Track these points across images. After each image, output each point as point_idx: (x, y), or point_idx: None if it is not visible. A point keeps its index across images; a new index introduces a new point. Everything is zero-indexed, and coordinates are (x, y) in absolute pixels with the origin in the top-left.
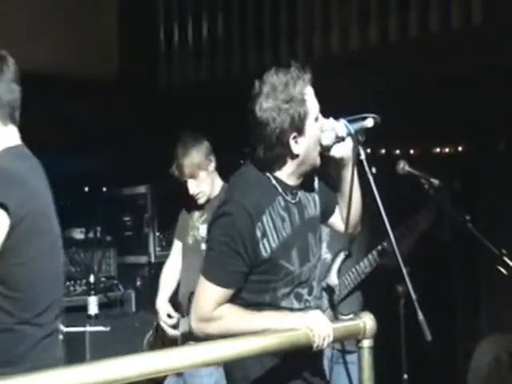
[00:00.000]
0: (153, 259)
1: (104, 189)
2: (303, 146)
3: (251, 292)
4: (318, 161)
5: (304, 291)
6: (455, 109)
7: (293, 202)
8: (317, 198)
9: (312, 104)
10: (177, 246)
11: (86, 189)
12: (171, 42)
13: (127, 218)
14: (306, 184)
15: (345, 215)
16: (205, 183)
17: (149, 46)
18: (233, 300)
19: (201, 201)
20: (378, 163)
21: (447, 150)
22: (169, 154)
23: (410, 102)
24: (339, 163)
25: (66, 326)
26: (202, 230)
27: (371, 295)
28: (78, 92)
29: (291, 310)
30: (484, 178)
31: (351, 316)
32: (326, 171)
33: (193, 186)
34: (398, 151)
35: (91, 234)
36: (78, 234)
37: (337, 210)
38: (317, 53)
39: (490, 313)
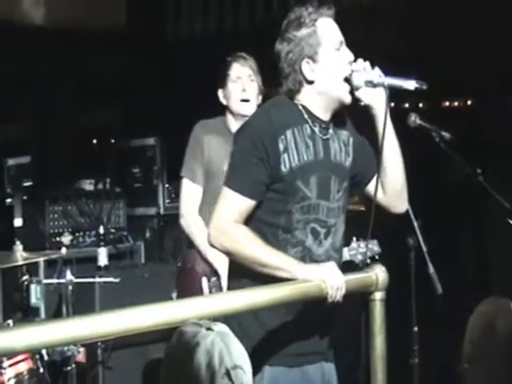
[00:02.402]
0: (162, 211)
1: (112, 141)
2: (319, 74)
3: (267, 212)
4: (345, 96)
5: (322, 230)
6: (465, 63)
7: (320, 135)
8: (351, 152)
9: (328, 34)
10: (199, 179)
11: (95, 141)
12: None
13: (136, 170)
14: (339, 129)
15: (385, 181)
16: (256, 98)
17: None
18: (249, 220)
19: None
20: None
21: (456, 103)
22: (177, 106)
23: (419, 55)
24: (370, 112)
25: (76, 277)
26: None
27: (382, 247)
28: (86, 44)
29: (303, 244)
30: (493, 133)
31: None
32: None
33: (255, 91)
34: (407, 104)
35: (100, 186)
36: (88, 186)
37: (374, 180)
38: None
39: (498, 266)
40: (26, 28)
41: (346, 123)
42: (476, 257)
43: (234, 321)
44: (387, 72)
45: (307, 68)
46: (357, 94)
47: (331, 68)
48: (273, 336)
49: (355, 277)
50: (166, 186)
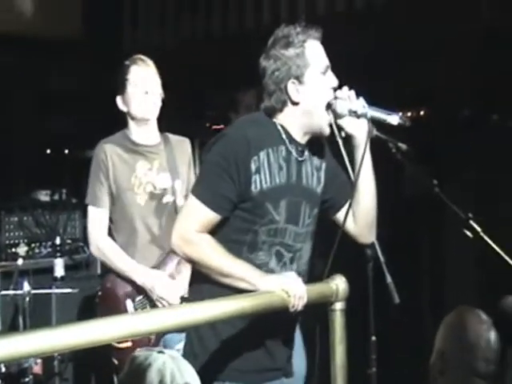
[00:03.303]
0: None
1: (66, 151)
2: (304, 95)
3: (233, 229)
4: (325, 126)
5: (287, 255)
6: (418, 74)
7: (296, 156)
8: (322, 178)
9: (316, 57)
10: (104, 203)
11: (48, 151)
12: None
13: None
14: (313, 154)
15: (357, 210)
16: (159, 100)
17: (113, 6)
18: (218, 235)
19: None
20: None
21: (409, 114)
22: None
23: (373, 65)
24: (351, 142)
25: (33, 288)
26: (161, 181)
27: (340, 258)
28: (41, 53)
29: (267, 266)
30: (446, 143)
31: None
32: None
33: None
34: None
35: (57, 197)
36: (44, 196)
37: (345, 208)
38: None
39: (455, 275)
40: None
41: (322, 147)
42: (432, 267)
43: (194, 334)
44: (371, 104)
45: (293, 88)
46: (339, 122)
47: (316, 91)
48: (231, 350)
49: (316, 287)
50: None
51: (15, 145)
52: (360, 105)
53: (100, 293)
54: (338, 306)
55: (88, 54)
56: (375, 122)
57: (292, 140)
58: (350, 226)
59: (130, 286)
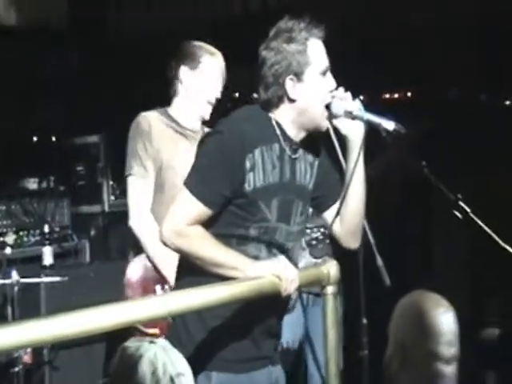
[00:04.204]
0: (106, 208)
1: (54, 139)
2: (301, 93)
3: (224, 223)
4: (322, 121)
5: (277, 252)
6: (406, 55)
7: (289, 154)
8: (315, 174)
9: (317, 56)
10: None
11: (35, 138)
12: None
13: (80, 168)
14: (307, 150)
15: (343, 213)
16: None
17: None
18: (209, 231)
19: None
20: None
21: (396, 95)
22: (120, 103)
23: (358, 47)
24: (346, 144)
25: (21, 277)
26: None
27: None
28: (25, 40)
29: (257, 258)
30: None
31: None
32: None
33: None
34: None
35: (44, 184)
36: (32, 184)
37: (334, 208)
38: None
39: (443, 256)
40: None
41: (316, 145)
42: (422, 249)
43: (180, 324)
44: (367, 107)
45: (291, 85)
46: (335, 122)
47: (314, 91)
48: (218, 339)
49: (307, 271)
50: (111, 183)
51: (1, 133)
52: (356, 106)
53: (129, 277)
54: (330, 289)
55: (73, 41)
56: (370, 126)
57: (286, 137)
58: (337, 229)
59: (157, 272)
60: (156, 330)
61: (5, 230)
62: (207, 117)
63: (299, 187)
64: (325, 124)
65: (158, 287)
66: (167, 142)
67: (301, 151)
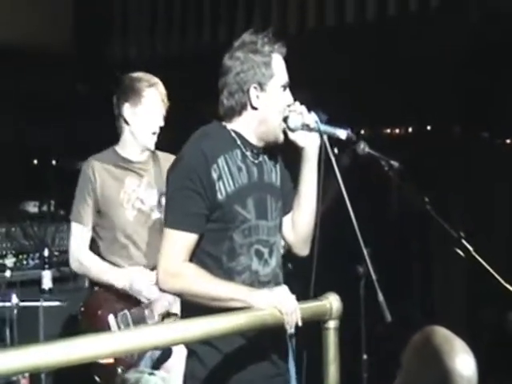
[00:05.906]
0: None
1: (53, 162)
2: (263, 103)
3: (209, 242)
4: (279, 133)
5: (265, 250)
6: (406, 91)
7: (252, 159)
8: (279, 174)
9: (280, 70)
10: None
11: (35, 161)
12: (126, 14)
13: None
14: (268, 155)
15: (295, 220)
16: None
17: (103, 17)
18: (195, 252)
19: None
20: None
21: (397, 131)
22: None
23: (359, 83)
24: (302, 155)
25: (21, 300)
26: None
27: (332, 276)
28: (28, 62)
29: (250, 269)
30: (437, 160)
31: None
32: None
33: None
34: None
35: (45, 208)
36: (32, 208)
37: (289, 216)
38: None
39: (443, 292)
40: None
41: (275, 155)
42: (423, 285)
43: (194, 358)
44: (321, 118)
45: (254, 93)
46: (292, 136)
47: (276, 103)
48: (231, 362)
49: (309, 305)
50: None
51: (1, 156)
52: (312, 119)
53: (83, 308)
54: (332, 324)
55: (75, 64)
56: (328, 136)
57: (248, 144)
58: (288, 235)
59: (112, 301)
60: (111, 360)
61: (4, 253)
62: (152, 147)
63: (268, 185)
64: (281, 137)
65: (110, 317)
66: (112, 181)
67: (262, 156)
